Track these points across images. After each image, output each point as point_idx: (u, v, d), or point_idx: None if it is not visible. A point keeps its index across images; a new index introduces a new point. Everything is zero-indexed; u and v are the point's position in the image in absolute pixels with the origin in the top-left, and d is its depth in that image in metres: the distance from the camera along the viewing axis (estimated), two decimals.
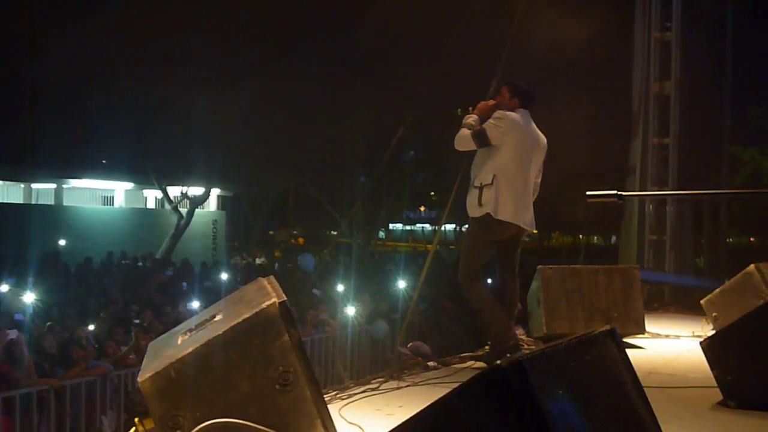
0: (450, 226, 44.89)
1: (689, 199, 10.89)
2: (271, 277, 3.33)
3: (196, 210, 27.88)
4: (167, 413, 2.84)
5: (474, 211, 5.72)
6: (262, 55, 22.58)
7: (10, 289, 13.57)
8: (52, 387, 9.05)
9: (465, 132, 5.81)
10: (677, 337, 7.32)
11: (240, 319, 2.90)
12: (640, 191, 10.68)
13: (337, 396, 4.81)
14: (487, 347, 6.15)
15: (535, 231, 6.45)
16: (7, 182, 29.23)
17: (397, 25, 19.53)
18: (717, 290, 6.58)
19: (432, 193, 37.11)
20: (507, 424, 2.09)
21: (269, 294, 3.01)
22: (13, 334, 9.40)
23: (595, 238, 40.78)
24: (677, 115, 10.87)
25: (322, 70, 22.90)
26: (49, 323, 11.03)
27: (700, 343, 4.66)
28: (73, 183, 29.85)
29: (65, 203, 29.56)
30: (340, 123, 24.29)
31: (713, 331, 5.76)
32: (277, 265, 21.79)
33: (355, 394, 4.88)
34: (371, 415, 4.37)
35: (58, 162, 26.78)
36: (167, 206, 28.35)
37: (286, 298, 2.98)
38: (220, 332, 2.89)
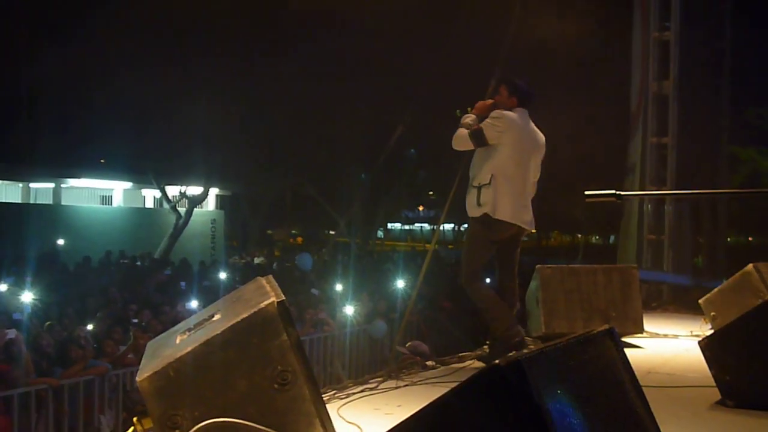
0: (449, 226, 44.95)
1: (688, 198, 10.90)
2: (270, 277, 3.33)
3: (195, 209, 27.88)
4: (166, 412, 2.84)
5: (473, 211, 5.72)
6: (260, 54, 22.59)
7: (8, 289, 13.57)
8: (51, 386, 9.05)
9: (462, 132, 5.80)
10: (675, 336, 7.32)
11: (239, 319, 2.89)
12: (638, 191, 10.69)
13: (336, 395, 4.81)
14: (485, 346, 6.15)
15: (534, 231, 6.44)
16: (6, 181, 29.22)
17: (396, 23, 19.55)
18: (715, 290, 6.57)
19: (431, 193, 37.11)
20: (506, 424, 2.09)
21: (268, 293, 3.01)
22: (11, 333, 9.41)
23: (594, 237, 40.80)
24: (676, 115, 10.88)
25: (321, 70, 22.91)
26: (48, 323, 11.03)
27: (699, 342, 4.66)
28: (72, 182, 29.84)
29: (64, 203, 29.55)
30: (339, 122, 24.31)
31: (711, 331, 5.75)
32: (275, 264, 21.76)
33: (354, 393, 4.88)
34: (370, 415, 4.37)
35: (56, 161, 26.80)
36: (166, 206, 28.34)
37: (284, 298, 2.98)
38: (219, 332, 2.89)
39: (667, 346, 6.94)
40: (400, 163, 27.56)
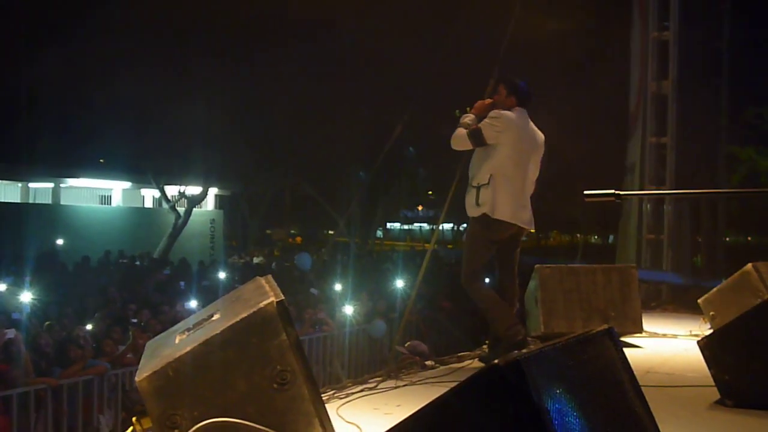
0: (448, 226, 44.93)
1: (687, 198, 10.90)
2: (269, 277, 3.33)
3: (194, 209, 27.88)
4: (165, 412, 2.84)
5: (472, 211, 5.72)
6: (259, 54, 22.59)
7: (7, 288, 13.57)
8: (50, 386, 9.05)
9: (461, 131, 5.79)
10: (675, 336, 7.32)
11: (238, 319, 2.89)
12: (637, 190, 10.69)
13: (335, 395, 4.81)
14: (485, 346, 6.15)
15: (533, 230, 6.44)
16: (5, 181, 29.21)
17: (396, 22, 19.54)
18: (714, 289, 6.58)
19: (430, 192, 37.11)
20: (505, 423, 2.09)
21: (267, 293, 3.01)
22: (11, 333, 9.41)
23: (593, 237, 40.79)
24: (675, 115, 10.89)
25: (320, 69, 22.91)
26: (47, 323, 11.03)
27: (698, 342, 4.66)
28: (71, 182, 29.83)
29: (63, 202, 29.54)
30: (338, 122, 24.31)
31: (711, 330, 5.76)
32: (274, 264, 21.76)
33: (353, 393, 4.88)
34: (369, 414, 4.37)
35: (55, 161, 26.80)
36: (165, 205, 28.34)
37: (283, 298, 2.98)
38: (218, 331, 2.89)
39: (666, 345, 6.94)
40: (400, 162, 27.56)
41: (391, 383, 5.18)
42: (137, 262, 21.68)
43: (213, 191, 32.20)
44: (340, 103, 24.15)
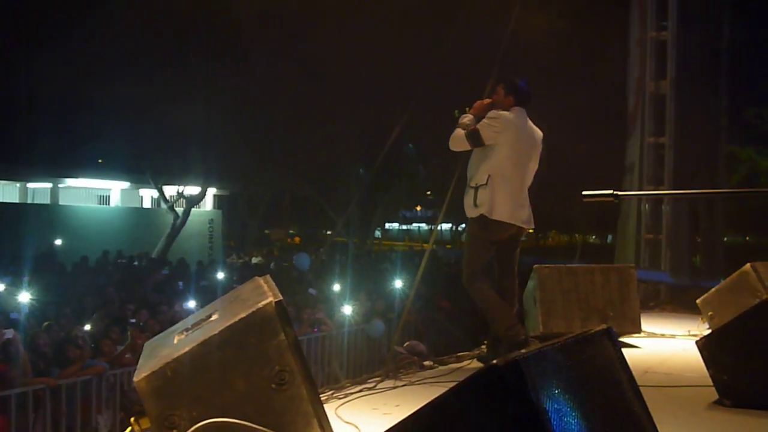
0: (446, 226, 44.96)
1: (686, 198, 10.91)
2: (267, 277, 3.33)
3: (192, 209, 27.87)
4: (163, 412, 2.84)
5: (470, 211, 5.71)
6: (258, 54, 22.59)
7: (6, 289, 13.56)
8: (48, 386, 9.04)
9: (460, 132, 5.79)
10: (673, 336, 7.33)
11: (236, 319, 2.89)
12: (636, 190, 10.70)
13: (334, 395, 4.81)
14: (484, 346, 6.15)
15: (531, 230, 6.43)
16: (3, 181, 29.21)
17: (396, 22, 19.53)
18: (713, 289, 6.59)
19: (428, 193, 37.12)
20: (503, 423, 2.09)
21: (265, 293, 3.01)
22: (9, 333, 9.40)
23: (592, 237, 40.80)
24: (673, 115, 10.89)
25: (319, 69, 22.90)
26: (45, 323, 11.02)
27: (696, 342, 4.66)
28: (69, 182, 29.83)
29: (61, 202, 29.54)
30: (337, 122, 24.31)
31: (709, 331, 5.76)
32: (273, 264, 21.75)
33: (352, 393, 4.88)
34: (368, 415, 4.37)
35: (54, 161, 26.80)
36: (163, 205, 28.33)
37: (282, 298, 2.98)
38: (217, 331, 2.89)
39: (665, 345, 6.95)
40: (399, 162, 27.56)
41: (389, 383, 5.18)
42: (136, 263, 21.66)
43: (211, 191, 32.20)
44: (340, 102, 24.15)
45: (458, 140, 5.79)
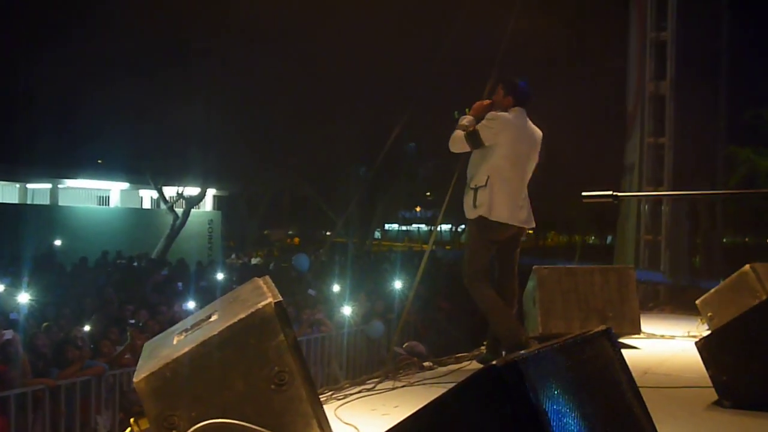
0: (446, 227, 44.94)
1: (685, 198, 10.91)
2: (267, 277, 3.33)
3: (192, 210, 27.86)
4: (162, 413, 2.84)
5: (469, 212, 5.71)
6: (257, 54, 22.59)
7: (5, 289, 13.56)
8: (48, 387, 9.04)
9: (459, 134, 5.78)
10: (672, 337, 7.33)
11: (236, 319, 2.89)
12: (636, 191, 10.70)
13: (333, 396, 4.81)
14: (483, 347, 6.14)
15: (531, 231, 6.43)
16: (3, 182, 29.19)
17: (396, 22, 19.53)
18: (712, 290, 6.59)
19: (428, 193, 37.11)
20: (503, 424, 2.09)
21: (265, 294, 3.01)
22: (8, 334, 9.40)
23: (591, 237, 40.80)
24: (672, 115, 10.89)
25: (318, 69, 22.90)
26: (45, 323, 11.02)
27: (696, 342, 4.66)
28: (69, 183, 29.81)
29: (61, 203, 29.52)
30: (337, 122, 24.31)
31: (708, 331, 5.76)
32: (272, 265, 21.76)
33: (351, 394, 4.88)
34: (367, 416, 4.37)
35: (53, 162, 26.78)
36: (163, 206, 28.33)
37: (281, 298, 2.98)
38: (216, 332, 2.88)
39: (664, 346, 6.95)
40: (400, 162, 27.52)
41: (389, 384, 5.18)
42: (135, 263, 21.66)
43: (211, 192, 32.18)
44: (340, 102, 24.15)
45: (458, 142, 5.78)
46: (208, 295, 12.84)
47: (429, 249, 11.32)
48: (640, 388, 2.64)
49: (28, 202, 29.83)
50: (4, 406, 8.60)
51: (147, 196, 33.40)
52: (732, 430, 4.22)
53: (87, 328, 11.20)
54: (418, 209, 46.51)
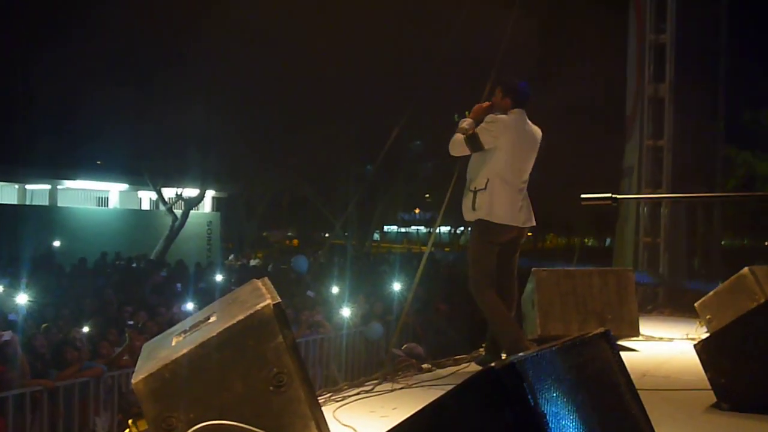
0: (445, 229, 44.92)
1: (684, 201, 10.91)
2: (266, 279, 3.33)
3: (191, 211, 27.85)
4: (161, 414, 2.84)
5: (469, 215, 5.71)
6: (257, 54, 22.57)
7: (4, 290, 13.56)
8: (46, 388, 9.04)
9: (458, 137, 5.78)
10: (671, 339, 7.33)
11: (234, 321, 2.89)
12: (634, 194, 10.70)
13: (332, 398, 4.81)
14: (482, 349, 6.14)
15: (530, 233, 6.42)
16: (2, 183, 29.19)
17: (395, 20, 19.53)
18: (711, 293, 6.59)
19: (427, 195, 37.10)
20: (501, 426, 2.09)
21: (263, 295, 3.01)
22: (7, 335, 9.39)
23: (590, 240, 40.82)
24: (671, 118, 10.89)
25: (318, 69, 22.88)
26: (44, 324, 11.02)
27: (694, 345, 4.66)
28: (68, 184, 29.80)
29: (60, 204, 29.53)
30: (337, 123, 24.29)
31: (707, 334, 5.77)
32: (271, 266, 21.76)
33: (350, 395, 4.88)
34: (365, 417, 4.37)
35: (52, 163, 26.77)
36: (162, 207, 28.33)
37: (280, 300, 2.98)
38: (215, 333, 2.88)
39: (663, 348, 6.95)
40: (400, 162, 27.49)
41: (387, 386, 5.17)
42: (134, 264, 21.67)
43: (210, 193, 32.17)
44: (340, 103, 24.13)
45: (458, 145, 5.78)
46: (206, 297, 12.85)
47: (428, 251, 11.33)
48: (638, 391, 2.65)
49: (27, 202, 29.83)
50: (2, 407, 8.59)
51: (146, 198, 33.41)
52: None
53: (86, 329, 11.19)
54: (417, 211, 46.51)
